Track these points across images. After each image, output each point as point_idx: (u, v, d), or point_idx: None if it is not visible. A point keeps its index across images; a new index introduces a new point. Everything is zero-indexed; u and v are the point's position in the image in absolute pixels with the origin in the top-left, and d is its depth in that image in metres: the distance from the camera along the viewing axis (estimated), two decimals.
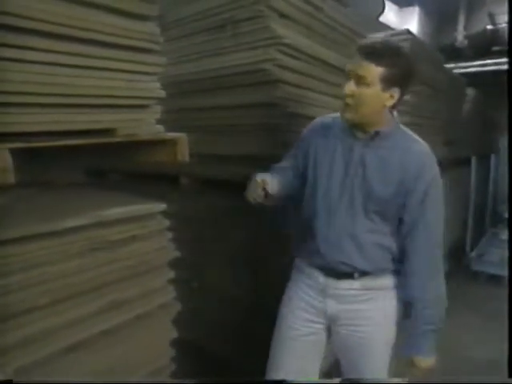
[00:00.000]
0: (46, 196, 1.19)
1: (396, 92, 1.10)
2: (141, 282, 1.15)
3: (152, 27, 1.08)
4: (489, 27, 5.29)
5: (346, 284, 1.21)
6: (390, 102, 1.11)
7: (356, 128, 1.17)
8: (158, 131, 1.18)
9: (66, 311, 0.97)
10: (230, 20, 1.58)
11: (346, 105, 1.12)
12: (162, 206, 1.16)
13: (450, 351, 2.50)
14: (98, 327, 1.05)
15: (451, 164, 3.88)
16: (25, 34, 0.86)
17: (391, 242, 1.20)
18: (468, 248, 4.48)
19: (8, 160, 0.81)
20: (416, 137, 1.20)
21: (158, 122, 1.18)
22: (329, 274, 1.22)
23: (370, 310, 1.22)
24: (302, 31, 1.75)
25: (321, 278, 1.24)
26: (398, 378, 1.30)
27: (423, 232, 1.16)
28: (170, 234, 1.22)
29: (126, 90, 1.06)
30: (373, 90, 1.08)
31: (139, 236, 1.12)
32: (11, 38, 0.84)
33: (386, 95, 1.09)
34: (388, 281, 1.24)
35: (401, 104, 1.18)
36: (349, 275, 1.20)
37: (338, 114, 1.23)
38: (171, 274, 1.26)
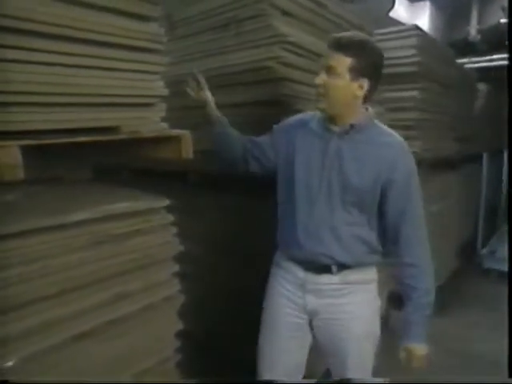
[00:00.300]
0: (53, 192, 1.23)
1: (365, 83, 1.15)
2: (145, 275, 1.18)
3: (155, 27, 1.11)
4: (502, 21, 5.19)
5: (325, 279, 1.23)
6: (360, 93, 1.15)
7: (331, 121, 1.21)
8: (163, 129, 1.22)
9: (71, 302, 1.00)
10: (233, 19, 1.61)
11: (319, 94, 1.17)
12: (165, 202, 1.19)
13: (460, 350, 2.50)
14: (102, 318, 1.09)
15: (463, 160, 3.84)
16: (31, 36, 0.90)
17: (371, 236, 1.23)
18: (479, 245, 4.43)
19: (18, 157, 0.85)
20: (390, 130, 1.24)
21: (164, 119, 1.22)
22: (308, 269, 1.24)
23: (350, 303, 1.24)
24: (306, 28, 1.77)
25: (300, 273, 1.26)
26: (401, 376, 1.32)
27: (412, 223, 1.19)
28: (174, 229, 1.26)
29: (130, 89, 1.09)
30: (342, 80, 1.13)
31: (143, 230, 1.15)
32: (20, 41, 0.88)
33: (355, 85, 1.14)
34: (368, 274, 1.27)
35: (372, 96, 1.22)
36: (328, 269, 1.22)
37: (312, 112, 1.28)
38: (176, 268, 1.29)
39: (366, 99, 1.20)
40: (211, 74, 1.73)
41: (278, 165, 1.32)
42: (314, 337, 1.32)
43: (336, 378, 1.31)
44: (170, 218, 1.23)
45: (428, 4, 5.42)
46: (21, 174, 0.85)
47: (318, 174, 1.21)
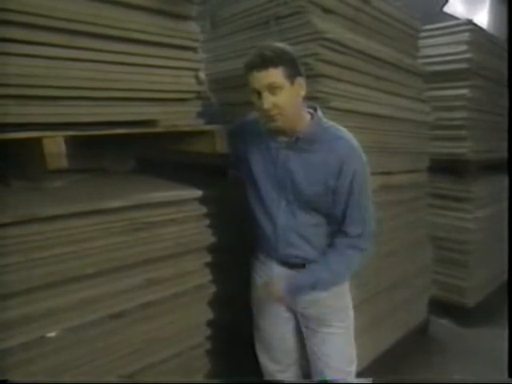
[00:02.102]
0: (96, 181, 1.32)
1: (302, 79, 1.14)
2: (177, 263, 1.24)
3: (192, 26, 1.16)
4: None
5: (297, 272, 1.29)
6: (303, 92, 1.14)
7: (278, 133, 1.19)
8: (198, 124, 1.27)
9: (105, 284, 1.08)
10: (273, 16, 1.63)
11: (271, 116, 1.12)
12: (198, 193, 1.24)
13: (504, 362, 2.36)
14: (135, 302, 1.16)
15: None
16: (83, 36, 0.98)
17: (334, 229, 1.27)
18: None
19: (62, 146, 0.93)
20: (340, 132, 1.21)
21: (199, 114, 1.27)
22: (282, 265, 1.31)
23: (326, 296, 1.29)
24: (348, 25, 1.75)
25: (276, 268, 1.33)
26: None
27: (354, 208, 1.21)
28: (207, 220, 1.31)
29: (169, 85, 1.16)
30: (287, 91, 1.10)
31: (177, 219, 1.21)
32: (70, 40, 0.97)
33: (296, 87, 1.12)
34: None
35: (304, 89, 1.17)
36: (301, 266, 1.28)
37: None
38: (208, 258, 1.34)
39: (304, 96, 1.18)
40: None
41: (241, 169, 1.36)
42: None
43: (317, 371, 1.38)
44: (203, 209, 1.28)
45: None
46: (64, 163, 0.93)
47: (274, 184, 1.24)
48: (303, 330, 1.39)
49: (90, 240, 1.05)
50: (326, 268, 1.25)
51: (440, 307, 2.74)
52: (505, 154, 3.19)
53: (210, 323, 1.38)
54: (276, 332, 1.42)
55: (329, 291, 1.29)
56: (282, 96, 1.10)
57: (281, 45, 1.15)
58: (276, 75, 1.08)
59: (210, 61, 1.87)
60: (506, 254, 3.43)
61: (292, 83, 1.11)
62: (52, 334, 0.99)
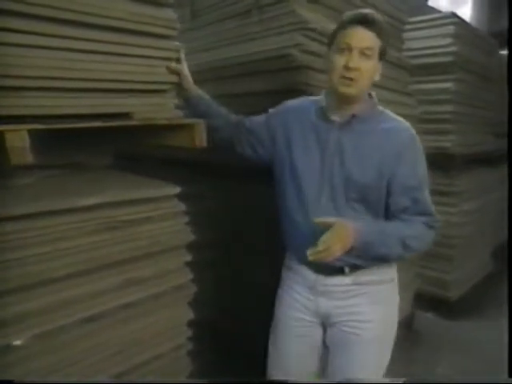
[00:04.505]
0: (69, 177, 1.25)
1: (380, 66, 1.11)
2: (155, 262, 1.18)
3: (169, 13, 1.10)
4: None
5: (336, 280, 1.17)
6: (378, 77, 1.11)
7: (332, 110, 1.14)
8: (177, 116, 1.21)
9: (80, 286, 1.02)
10: (255, 5, 1.57)
11: (350, 79, 1.06)
12: (177, 190, 1.19)
13: (488, 355, 2.38)
14: (113, 303, 1.11)
15: (502, 157, 3.64)
16: (47, 21, 0.91)
17: None
18: None
19: (26, 140, 0.86)
20: (395, 116, 1.16)
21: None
22: (318, 271, 1.18)
23: (362, 305, 1.17)
24: (333, 15, 1.71)
25: (310, 275, 1.20)
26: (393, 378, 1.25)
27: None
28: (186, 218, 1.25)
29: (144, 75, 1.09)
30: (374, 63, 1.08)
31: (155, 217, 1.16)
32: (33, 25, 0.89)
33: (377, 67, 1.10)
34: (384, 274, 1.19)
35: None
36: (339, 270, 1.16)
37: (312, 98, 1.21)
38: (188, 257, 1.29)
39: None
40: (232, 63, 1.72)
41: (275, 156, 1.24)
42: (324, 340, 1.26)
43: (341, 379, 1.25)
44: (182, 206, 1.22)
45: None
46: (29, 158, 0.86)
47: (318, 170, 1.13)
48: (331, 346, 1.24)
49: (61, 240, 0.99)
50: (394, 226, 1.11)
51: (424, 301, 2.75)
52: (489, 148, 3.23)
53: (191, 323, 1.34)
54: (297, 349, 1.26)
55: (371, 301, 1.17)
56: (369, 66, 1.06)
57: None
58: (375, 43, 1.06)
59: (189, 52, 1.81)
60: (489, 247, 3.48)
61: (379, 60, 1.09)
62: (18, 342, 0.92)
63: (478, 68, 2.87)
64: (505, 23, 5.27)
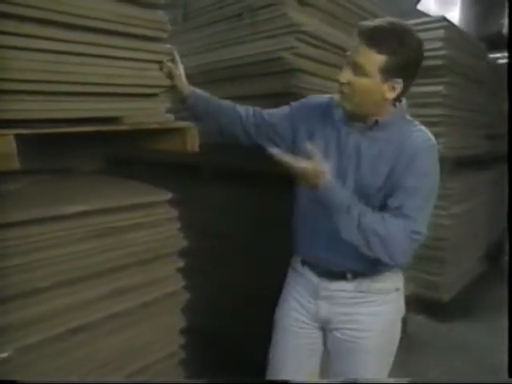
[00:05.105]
0: (58, 183, 1.22)
1: (399, 83, 1.00)
2: (147, 269, 1.16)
3: (160, 15, 1.07)
4: None
5: (338, 285, 1.15)
6: (392, 95, 1.01)
7: (354, 117, 1.09)
8: (168, 120, 1.18)
9: (69, 295, 0.99)
10: (247, 8, 1.56)
11: (341, 93, 1.03)
12: (169, 195, 1.16)
13: (480, 357, 2.39)
14: (103, 312, 1.07)
15: (491, 160, 3.68)
16: (32, 22, 0.88)
17: None
18: (506, 249, 4.23)
19: (12, 146, 0.83)
20: (420, 126, 1.10)
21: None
22: (322, 274, 1.17)
23: (363, 314, 1.15)
24: (326, 19, 1.70)
25: (314, 278, 1.18)
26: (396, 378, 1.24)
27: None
28: (178, 224, 1.23)
29: (134, 79, 1.06)
30: (371, 81, 0.98)
31: (145, 224, 1.13)
32: (18, 27, 0.86)
33: (386, 87, 1.00)
34: (388, 283, 1.17)
35: (405, 94, 1.08)
36: (342, 276, 1.14)
37: (337, 97, 1.13)
38: (180, 263, 1.26)
39: (398, 98, 1.06)
40: (224, 66, 1.70)
41: (295, 152, 1.12)
42: (325, 345, 1.25)
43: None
44: (174, 212, 1.20)
45: None
46: (16, 164, 0.83)
47: (334, 173, 1.07)
48: (331, 352, 1.22)
49: (49, 248, 0.95)
50: (364, 208, 1.02)
51: (416, 303, 2.76)
52: (479, 151, 3.25)
53: (183, 331, 1.31)
54: (296, 352, 1.24)
55: (369, 309, 1.14)
56: (362, 83, 0.99)
57: (411, 35, 0.99)
58: (371, 60, 0.96)
59: (181, 54, 1.79)
60: (479, 249, 3.51)
61: (384, 81, 0.98)
62: (4, 355, 0.89)
63: (468, 71, 2.90)
64: (493, 27, 5.35)
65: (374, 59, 0.96)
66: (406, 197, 1.02)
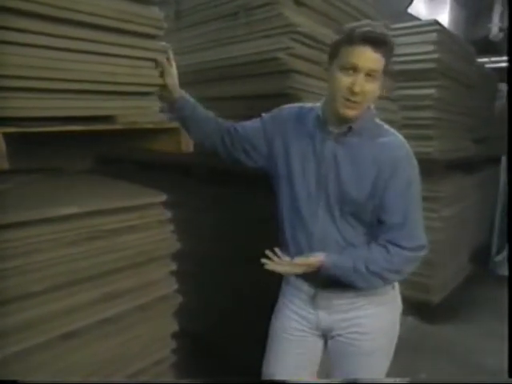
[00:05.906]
0: (47, 183, 1.18)
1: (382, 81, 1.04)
2: (139, 272, 1.13)
3: (155, 12, 1.05)
4: None
5: (336, 294, 1.14)
6: (380, 92, 1.05)
7: (331, 122, 1.08)
8: (162, 120, 1.16)
9: (58, 301, 0.96)
10: (243, 7, 1.54)
11: (353, 102, 1.00)
12: (163, 197, 1.14)
13: (470, 359, 2.41)
14: (95, 316, 1.05)
15: (480, 163, 3.72)
16: (25, 17, 0.85)
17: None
18: (494, 251, 4.29)
19: (1, 145, 0.80)
20: (391, 130, 1.11)
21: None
22: (318, 285, 1.15)
23: (362, 317, 1.14)
24: (321, 19, 1.69)
25: (310, 290, 1.17)
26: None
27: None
28: (171, 226, 1.20)
29: (129, 76, 1.04)
30: (378, 85, 1.01)
31: (138, 226, 1.10)
32: (11, 21, 0.83)
33: (380, 86, 1.03)
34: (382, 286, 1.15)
35: None
36: (338, 284, 1.11)
37: (309, 105, 1.15)
38: (173, 266, 1.24)
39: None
40: (218, 65, 1.68)
41: (272, 164, 1.18)
42: (325, 349, 1.24)
43: None
44: (168, 214, 1.17)
45: (448, 0, 5.24)
46: (5, 164, 0.80)
47: (314, 182, 1.09)
48: (333, 357, 1.22)
49: (38, 252, 0.92)
50: (367, 254, 1.06)
51: (405, 304, 2.77)
52: (468, 153, 3.29)
53: (175, 335, 1.29)
54: (297, 363, 1.22)
55: (370, 311, 1.14)
56: (374, 86, 1.00)
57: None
58: (382, 64, 0.99)
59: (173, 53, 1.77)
60: (467, 250, 3.55)
61: (381, 80, 1.02)
62: None
63: (459, 75, 2.92)
64: (480, 32, 5.42)
65: (381, 63, 0.99)
66: (402, 215, 1.06)
